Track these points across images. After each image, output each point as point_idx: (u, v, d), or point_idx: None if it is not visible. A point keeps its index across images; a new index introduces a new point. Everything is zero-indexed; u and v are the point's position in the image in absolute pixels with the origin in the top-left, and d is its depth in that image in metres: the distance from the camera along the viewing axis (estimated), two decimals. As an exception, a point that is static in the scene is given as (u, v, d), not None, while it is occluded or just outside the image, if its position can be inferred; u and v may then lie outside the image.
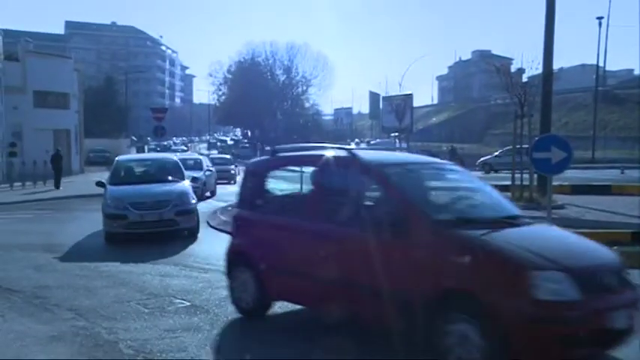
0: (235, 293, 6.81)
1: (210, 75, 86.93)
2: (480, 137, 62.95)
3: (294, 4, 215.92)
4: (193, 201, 12.78)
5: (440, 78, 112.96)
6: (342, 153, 6.26)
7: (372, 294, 5.26)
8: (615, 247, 6.59)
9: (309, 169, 6.45)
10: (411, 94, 47.03)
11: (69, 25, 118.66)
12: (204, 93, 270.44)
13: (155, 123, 30.86)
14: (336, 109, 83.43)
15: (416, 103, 53.69)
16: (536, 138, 11.17)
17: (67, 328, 6.38)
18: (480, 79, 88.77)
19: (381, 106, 57.54)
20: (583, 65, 71.42)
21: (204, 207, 16.44)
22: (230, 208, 17.07)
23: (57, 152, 28.46)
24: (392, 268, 5.13)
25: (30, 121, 34.13)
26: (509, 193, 14.57)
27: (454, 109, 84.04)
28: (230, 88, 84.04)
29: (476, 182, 6.57)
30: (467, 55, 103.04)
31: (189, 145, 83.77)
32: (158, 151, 36.43)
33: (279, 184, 7.04)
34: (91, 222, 14.17)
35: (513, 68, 20.81)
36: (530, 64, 17.71)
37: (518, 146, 17.56)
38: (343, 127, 73.74)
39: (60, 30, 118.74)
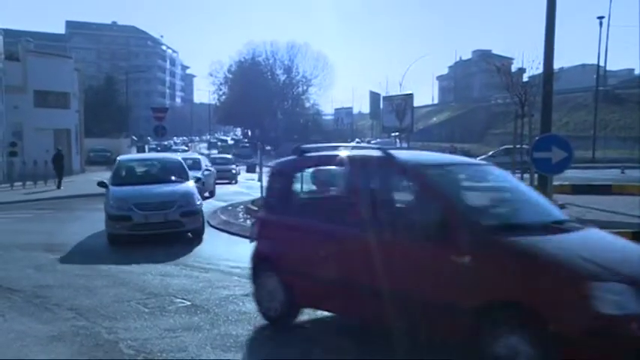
0: (261, 300, 6.50)
1: (211, 75, 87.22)
2: (481, 137, 62.87)
3: (294, 4, 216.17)
4: (199, 202, 12.56)
5: (440, 78, 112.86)
6: (377, 152, 5.95)
7: (413, 304, 4.99)
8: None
9: (340, 170, 6.15)
10: (411, 94, 46.97)
11: (69, 24, 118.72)
12: (204, 93, 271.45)
13: (156, 123, 30.82)
14: (336, 109, 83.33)
15: (416, 103, 53.70)
16: (537, 138, 11.17)
17: (68, 327, 6.38)
18: (480, 78, 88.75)
19: (381, 105, 57.48)
20: (584, 65, 71.32)
21: (203, 207, 16.39)
22: (230, 207, 17.17)
23: (58, 152, 28.49)
24: (435, 277, 4.87)
25: (30, 120, 34.13)
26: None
27: (454, 108, 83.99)
28: (230, 87, 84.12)
29: (516, 183, 6.24)
30: (467, 55, 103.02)
31: (189, 144, 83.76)
32: (159, 151, 36.38)
33: (309, 185, 6.74)
34: (91, 221, 14.19)
35: (514, 68, 20.83)
36: (531, 64, 17.69)
37: (512, 146, 17.56)
38: (344, 126, 73.63)
39: (60, 30, 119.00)
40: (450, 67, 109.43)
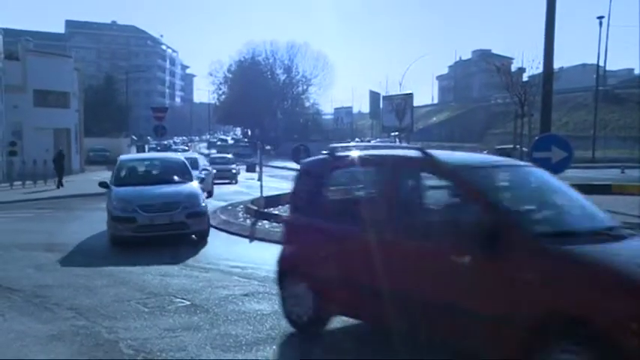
0: (288, 306, 6.22)
1: (211, 74, 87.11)
2: (480, 137, 62.87)
3: (294, 4, 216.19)
4: (204, 203, 12.25)
5: (440, 77, 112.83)
6: (414, 153, 5.61)
7: (459, 316, 4.70)
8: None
9: (374, 171, 5.89)
10: (411, 94, 46.96)
11: (69, 24, 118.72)
12: (204, 92, 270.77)
13: (155, 122, 30.85)
14: (336, 109, 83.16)
15: (416, 103, 53.67)
16: (537, 137, 11.16)
17: (67, 327, 6.38)
18: (480, 78, 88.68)
19: (381, 105, 57.40)
20: (583, 65, 71.36)
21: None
22: (230, 207, 17.16)
23: (59, 152, 28.52)
24: (482, 288, 4.60)
25: (30, 120, 34.12)
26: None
27: (454, 108, 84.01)
28: (230, 87, 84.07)
29: (560, 185, 5.87)
30: (467, 55, 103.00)
31: (189, 144, 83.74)
32: (159, 151, 36.39)
33: (341, 186, 6.44)
34: (91, 221, 14.18)
35: (514, 68, 20.87)
36: (531, 64, 17.80)
37: (506, 146, 17.57)
38: (343, 126, 73.55)
39: (60, 29, 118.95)
40: (450, 66, 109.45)
